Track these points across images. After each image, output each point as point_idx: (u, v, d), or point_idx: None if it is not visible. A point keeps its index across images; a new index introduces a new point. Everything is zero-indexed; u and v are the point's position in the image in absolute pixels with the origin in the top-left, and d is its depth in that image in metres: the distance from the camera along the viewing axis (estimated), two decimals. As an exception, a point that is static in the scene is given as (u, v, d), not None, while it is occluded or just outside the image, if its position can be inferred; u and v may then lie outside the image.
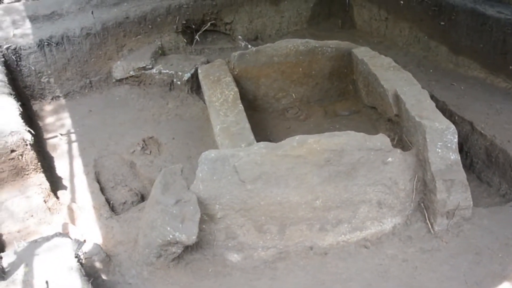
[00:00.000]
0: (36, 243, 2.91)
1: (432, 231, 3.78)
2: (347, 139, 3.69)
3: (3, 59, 5.16)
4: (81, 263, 2.90)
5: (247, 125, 4.15)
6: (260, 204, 3.57)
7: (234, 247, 3.67)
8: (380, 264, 3.62)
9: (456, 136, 3.79)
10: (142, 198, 4.56)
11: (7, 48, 5.30)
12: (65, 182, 4.64)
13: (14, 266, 2.72)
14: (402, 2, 6.38)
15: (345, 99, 5.53)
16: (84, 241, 3.33)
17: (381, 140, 3.77)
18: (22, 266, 2.70)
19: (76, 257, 2.87)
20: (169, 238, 3.26)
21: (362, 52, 5.10)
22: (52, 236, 2.99)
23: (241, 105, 4.42)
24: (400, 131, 4.39)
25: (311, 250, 3.76)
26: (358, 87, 5.31)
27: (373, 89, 4.81)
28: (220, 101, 4.52)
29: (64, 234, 3.09)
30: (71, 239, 3.09)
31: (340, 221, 3.77)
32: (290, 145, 3.60)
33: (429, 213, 3.82)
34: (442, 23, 5.84)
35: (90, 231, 4.01)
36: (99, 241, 3.92)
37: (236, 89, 4.66)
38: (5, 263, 2.73)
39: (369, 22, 7.15)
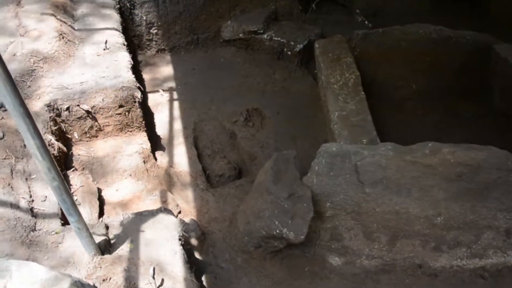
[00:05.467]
0: (141, 217, 2.75)
1: None
2: (487, 155, 3.21)
3: (118, 6, 5.02)
4: (182, 246, 2.70)
5: (369, 117, 3.75)
6: (375, 210, 3.22)
7: (337, 250, 3.38)
8: (498, 300, 3.20)
9: None
10: (239, 173, 4.33)
11: (124, -5, 5.17)
12: (164, 142, 4.50)
13: (120, 239, 2.57)
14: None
15: (471, 100, 4.91)
16: (187, 223, 3.15)
17: (527, 162, 3.24)
18: (127, 241, 2.54)
19: (179, 239, 2.67)
20: (275, 233, 3.01)
21: (506, 50, 4.46)
22: (157, 212, 2.82)
23: (363, 93, 4.01)
24: (541, 150, 3.81)
25: (420, 268, 3.40)
26: (491, 89, 4.69)
27: (512, 95, 4.21)
28: (339, 84, 4.13)
29: (168, 210, 2.91)
30: (175, 216, 2.90)
31: (459, 244, 3.35)
32: (422, 152, 3.18)
33: None
34: None
35: (185, 201, 3.86)
36: (193, 213, 3.77)
37: (358, 73, 4.24)
38: (111, 234, 2.58)
39: (508, 9, 6.24)
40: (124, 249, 2.51)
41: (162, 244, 2.60)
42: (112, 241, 2.55)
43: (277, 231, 2.99)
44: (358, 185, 3.18)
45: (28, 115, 1.65)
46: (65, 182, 1.97)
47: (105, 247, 2.46)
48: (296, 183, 3.12)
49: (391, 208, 3.22)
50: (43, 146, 1.75)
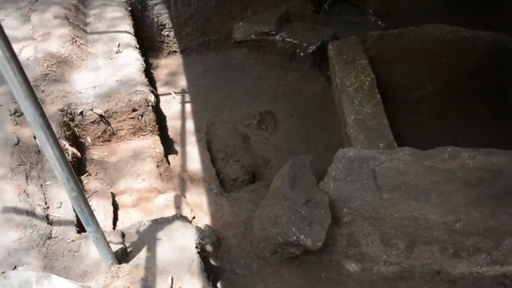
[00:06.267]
0: (157, 224, 2.71)
1: None
2: (508, 160, 3.14)
3: (130, 8, 4.98)
4: (199, 253, 2.66)
5: (386, 121, 3.69)
6: (393, 216, 3.17)
7: (354, 256, 3.32)
8: (520, 309, 3.13)
9: None
10: (253, 177, 4.28)
11: (136, -3, 5.13)
12: (176, 145, 4.46)
13: (136, 247, 2.53)
14: None
15: (487, 101, 4.83)
16: (203, 230, 3.11)
17: (548, 166, 3.17)
18: (144, 249, 2.51)
19: (196, 247, 2.63)
20: (292, 240, 2.96)
21: (524, 51, 4.37)
22: (173, 218, 2.78)
23: (379, 96, 3.94)
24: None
25: (438, 275, 3.34)
26: (508, 90, 4.60)
27: (531, 97, 4.13)
28: (354, 86, 4.06)
29: (184, 217, 2.86)
30: (191, 223, 2.86)
31: (479, 250, 3.29)
32: (441, 157, 3.11)
33: None
34: None
35: (199, 205, 3.82)
36: (207, 218, 3.73)
37: (373, 75, 4.17)
38: (127, 242, 2.54)
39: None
40: (141, 257, 2.47)
41: (179, 252, 2.56)
42: (128, 249, 2.52)
43: (294, 237, 2.95)
44: (376, 190, 3.13)
45: (48, 126, 1.61)
46: (83, 192, 1.94)
47: (122, 256, 2.43)
48: (313, 189, 3.07)
49: (409, 214, 3.16)
50: (63, 157, 1.72)
